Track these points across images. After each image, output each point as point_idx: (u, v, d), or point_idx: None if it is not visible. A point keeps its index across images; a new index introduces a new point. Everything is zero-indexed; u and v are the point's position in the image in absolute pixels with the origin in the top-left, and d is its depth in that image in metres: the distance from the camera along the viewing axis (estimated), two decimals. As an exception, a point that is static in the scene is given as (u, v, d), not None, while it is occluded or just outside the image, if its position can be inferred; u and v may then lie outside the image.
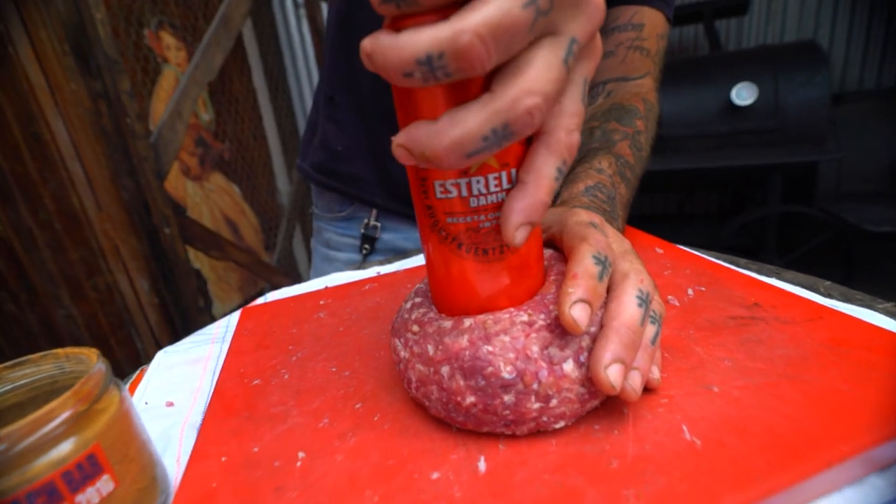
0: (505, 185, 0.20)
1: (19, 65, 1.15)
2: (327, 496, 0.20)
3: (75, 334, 1.46)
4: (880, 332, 0.25)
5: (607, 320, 0.21)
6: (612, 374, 0.20)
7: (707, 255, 0.40)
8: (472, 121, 0.16)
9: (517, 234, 0.19)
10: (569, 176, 0.39)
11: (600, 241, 0.23)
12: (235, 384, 0.30)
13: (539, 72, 0.16)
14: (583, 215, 0.25)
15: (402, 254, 0.58)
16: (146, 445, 0.23)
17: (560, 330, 0.21)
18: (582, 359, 0.21)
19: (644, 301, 0.22)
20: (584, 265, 0.21)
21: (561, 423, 0.21)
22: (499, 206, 0.20)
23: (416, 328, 0.23)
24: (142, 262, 1.35)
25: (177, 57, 1.47)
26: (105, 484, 0.20)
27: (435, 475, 0.20)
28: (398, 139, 0.18)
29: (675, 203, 1.63)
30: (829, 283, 0.34)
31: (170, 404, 0.33)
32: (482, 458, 0.21)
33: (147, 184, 1.25)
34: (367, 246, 0.63)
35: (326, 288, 0.43)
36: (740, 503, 0.17)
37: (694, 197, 1.61)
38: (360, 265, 0.54)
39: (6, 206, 1.29)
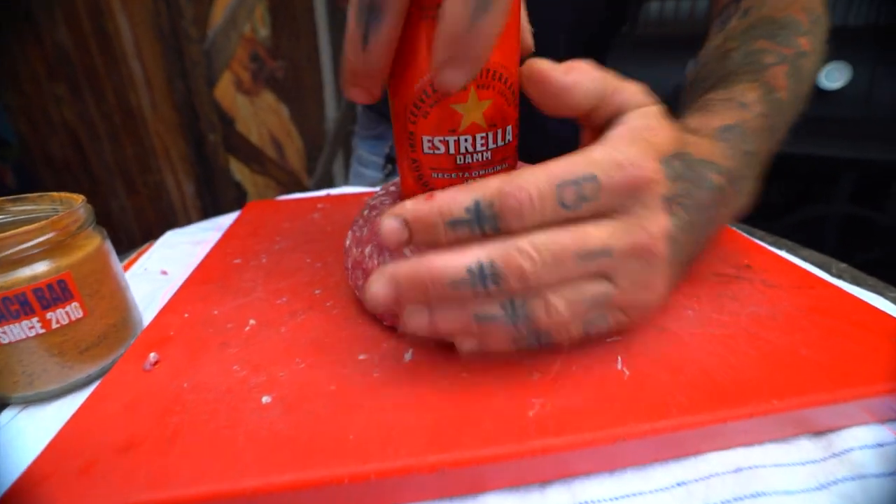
0: (491, 143, 0.20)
1: (89, -45, 1.18)
2: (262, 356, 0.21)
3: (126, 225, 1.58)
4: (867, 308, 0.23)
5: None
6: (374, 287, 0.17)
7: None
8: None
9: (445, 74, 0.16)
10: (699, 101, 0.27)
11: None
12: (219, 260, 0.32)
13: None
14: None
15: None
16: (121, 290, 0.25)
17: None
18: None
19: (481, 277, 0.16)
20: (455, 198, 0.16)
21: None
22: (485, 164, 0.21)
23: (365, 212, 0.24)
24: (188, 166, 1.42)
25: (241, -35, 1.46)
26: (74, 310, 0.22)
27: (362, 356, 0.21)
28: (442, 61, 0.16)
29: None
30: (844, 265, 0.31)
31: (164, 272, 0.35)
32: (410, 351, 0.21)
33: (197, 89, 1.29)
34: (389, 165, 0.64)
35: (329, 195, 0.44)
36: (647, 431, 0.17)
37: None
38: (382, 182, 0.56)
39: (75, 96, 1.37)
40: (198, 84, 1.30)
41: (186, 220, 1.55)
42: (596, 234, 0.16)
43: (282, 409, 0.18)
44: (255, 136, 1.56)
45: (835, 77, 1.08)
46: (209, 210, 1.49)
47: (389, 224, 0.16)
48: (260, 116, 1.59)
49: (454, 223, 0.16)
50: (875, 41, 1.06)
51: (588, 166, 0.16)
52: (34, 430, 0.21)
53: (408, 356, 0.21)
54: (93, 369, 0.24)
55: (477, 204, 0.16)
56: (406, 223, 0.16)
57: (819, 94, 1.15)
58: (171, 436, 0.17)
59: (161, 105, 1.36)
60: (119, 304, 0.25)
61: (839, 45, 1.07)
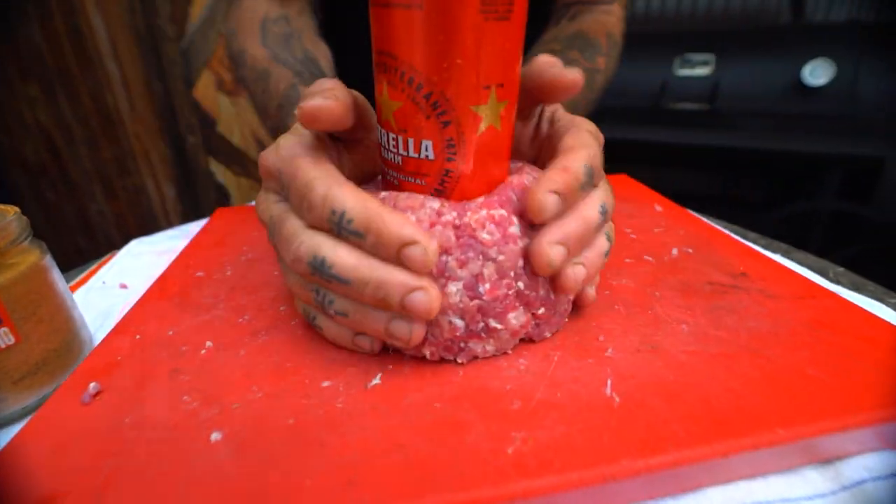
0: (402, 150, 0.19)
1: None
2: (216, 384, 0.19)
3: (105, 230, 1.54)
4: (874, 321, 0.21)
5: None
6: (554, 252, 0.18)
7: (714, 221, 0.36)
8: None
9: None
10: None
11: (595, 155, 0.20)
12: (180, 273, 0.29)
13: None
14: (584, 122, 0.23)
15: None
16: (65, 311, 0.23)
17: (465, 241, 0.18)
18: (481, 290, 0.18)
19: (604, 214, 0.20)
20: (576, 166, 0.19)
21: (426, 352, 0.19)
22: (397, 168, 0.20)
23: None
24: (168, 169, 1.38)
25: (221, -38, 1.42)
26: (4, 336, 0.20)
27: (325, 384, 0.19)
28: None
29: (718, 184, 1.52)
30: (841, 269, 0.30)
31: (123, 286, 0.33)
32: (379, 376, 0.19)
33: (175, 89, 1.25)
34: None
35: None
36: (639, 469, 0.15)
37: (740, 180, 1.49)
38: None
39: (49, 99, 1.33)
40: (176, 84, 1.26)
41: (168, 225, 1.51)
42: None
43: (233, 448, 0.16)
44: (238, 138, 1.52)
45: (819, 74, 1.08)
46: (190, 214, 1.45)
47: (552, 199, 0.18)
48: (243, 117, 1.55)
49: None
50: (859, 38, 1.07)
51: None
52: (-42, 472, 0.19)
53: (375, 381, 0.19)
54: (30, 400, 0.21)
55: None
56: (559, 195, 0.18)
57: (804, 90, 1.16)
58: (102, 486, 0.15)
59: (139, 106, 1.32)
60: (61, 327, 0.23)
61: (826, 42, 1.07)
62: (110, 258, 0.38)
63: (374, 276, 0.17)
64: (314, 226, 0.18)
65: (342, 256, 0.17)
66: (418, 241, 0.16)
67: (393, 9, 0.17)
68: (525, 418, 0.17)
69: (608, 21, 0.44)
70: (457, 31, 0.16)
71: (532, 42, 0.60)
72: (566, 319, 0.22)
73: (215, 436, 0.17)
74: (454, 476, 0.14)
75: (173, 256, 0.37)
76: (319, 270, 0.18)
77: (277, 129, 0.36)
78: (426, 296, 0.17)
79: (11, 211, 0.22)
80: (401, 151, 0.19)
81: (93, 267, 0.37)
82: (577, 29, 0.43)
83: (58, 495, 0.15)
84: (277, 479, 0.15)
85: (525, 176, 0.21)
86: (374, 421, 0.17)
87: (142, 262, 0.37)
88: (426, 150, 0.19)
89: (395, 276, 0.17)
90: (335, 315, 0.19)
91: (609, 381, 0.18)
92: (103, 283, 0.34)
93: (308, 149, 0.19)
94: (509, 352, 0.20)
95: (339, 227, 0.17)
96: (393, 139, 0.19)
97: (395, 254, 0.17)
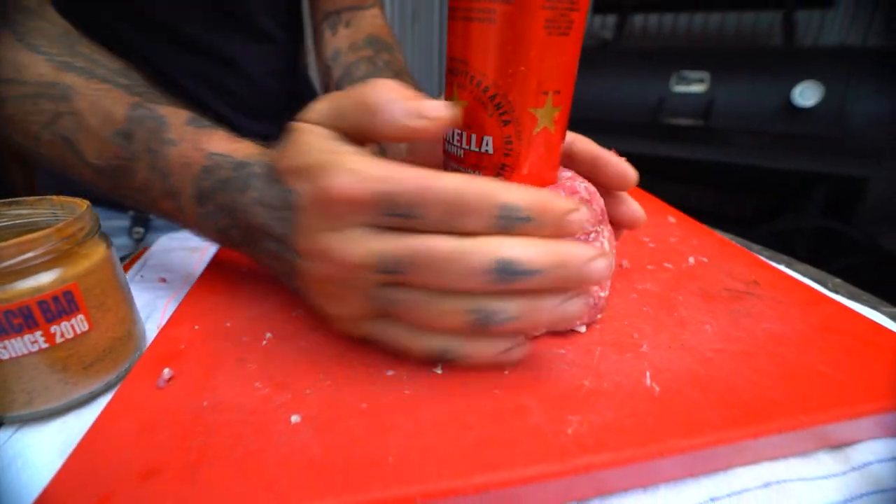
0: (464, 144, 0.21)
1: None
2: (284, 372, 0.21)
3: (99, 225, 1.52)
4: (874, 326, 0.24)
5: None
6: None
7: (721, 233, 0.39)
8: None
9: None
10: None
11: None
12: (223, 267, 0.31)
13: None
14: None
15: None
16: (126, 301, 0.24)
17: None
18: None
19: None
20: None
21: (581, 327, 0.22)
22: (459, 160, 0.22)
23: None
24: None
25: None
26: (80, 323, 0.21)
27: (390, 372, 0.20)
28: None
29: (711, 200, 1.57)
30: (839, 280, 0.33)
31: (162, 280, 0.34)
32: (440, 366, 0.21)
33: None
34: (138, 229, 0.48)
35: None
36: (684, 448, 0.17)
37: (732, 195, 1.55)
38: (135, 251, 0.40)
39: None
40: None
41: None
42: None
43: (313, 429, 0.18)
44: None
45: (808, 95, 1.13)
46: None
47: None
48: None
49: None
50: (847, 62, 1.12)
51: None
52: (35, 452, 0.20)
53: (437, 370, 0.21)
54: (97, 385, 0.23)
55: None
56: None
57: (793, 111, 1.21)
58: (196, 461, 0.16)
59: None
60: (125, 316, 0.24)
61: (815, 65, 1.12)
62: (142, 253, 0.39)
63: (560, 256, 0.17)
64: (475, 232, 0.17)
65: (524, 248, 0.17)
66: (576, 207, 0.18)
67: (471, 22, 0.19)
68: (578, 404, 0.19)
69: (380, 22, 0.49)
70: (523, 43, 0.19)
71: (318, 53, 0.55)
72: (599, 315, 0.24)
73: (295, 418, 0.18)
74: (523, 452, 0.16)
75: (205, 253, 0.38)
76: (504, 274, 0.16)
77: (116, 161, 0.26)
78: (606, 260, 0.17)
79: (83, 205, 0.23)
80: (463, 145, 0.21)
81: (125, 262, 0.38)
82: (368, 34, 0.47)
83: (157, 467, 0.16)
84: (362, 457, 0.16)
85: (577, 183, 0.23)
86: (442, 405, 0.19)
87: (175, 257, 0.38)
88: (486, 144, 0.21)
89: (575, 250, 0.17)
90: (504, 323, 0.18)
91: (648, 373, 0.20)
92: (141, 276, 0.35)
93: (405, 161, 0.18)
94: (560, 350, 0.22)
95: (509, 221, 0.17)
96: (458, 134, 0.22)
97: (557, 228, 0.17)
